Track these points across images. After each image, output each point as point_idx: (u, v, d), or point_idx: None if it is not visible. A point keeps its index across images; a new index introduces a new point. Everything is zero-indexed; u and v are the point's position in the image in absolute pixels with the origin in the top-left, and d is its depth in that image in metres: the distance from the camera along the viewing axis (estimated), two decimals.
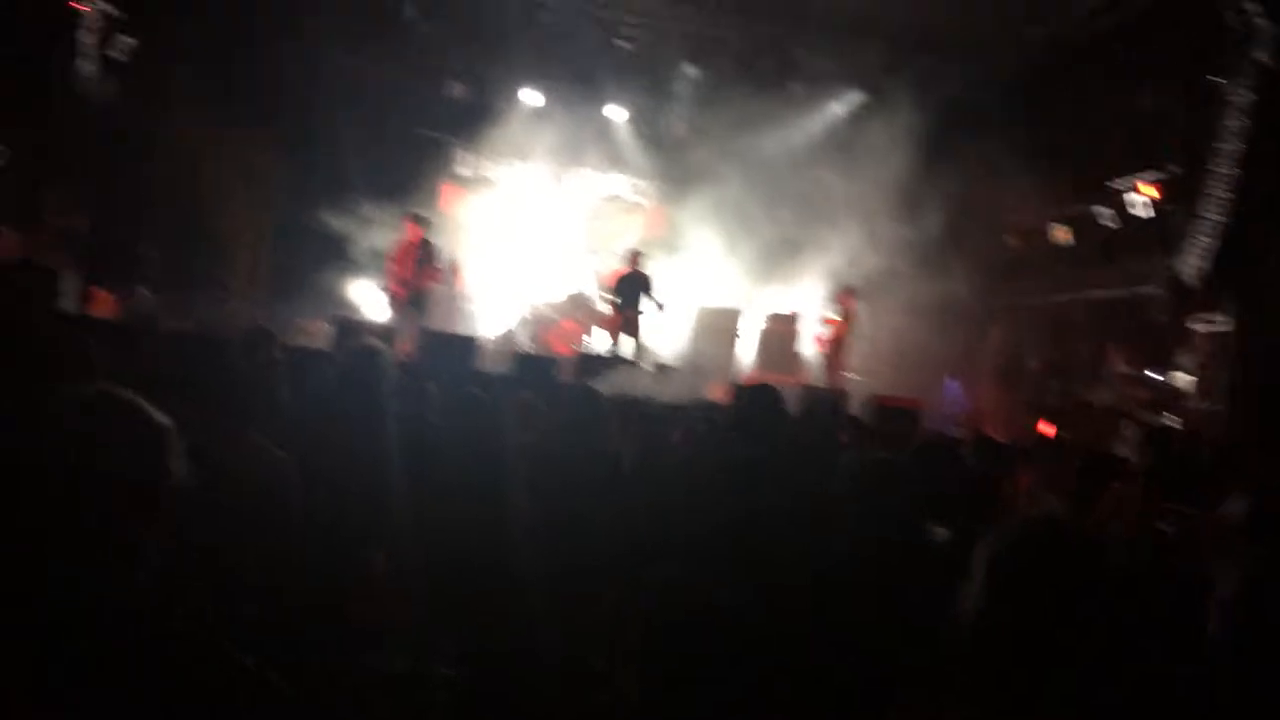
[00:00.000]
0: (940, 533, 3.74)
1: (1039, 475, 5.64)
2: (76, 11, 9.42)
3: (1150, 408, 12.32)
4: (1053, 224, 13.87)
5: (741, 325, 15.35)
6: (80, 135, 11.38)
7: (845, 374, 13.67)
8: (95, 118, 11.41)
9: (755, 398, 4.05)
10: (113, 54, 11.13)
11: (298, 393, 4.72)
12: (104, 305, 10.93)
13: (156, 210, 14.04)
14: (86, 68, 9.66)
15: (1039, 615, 1.52)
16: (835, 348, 13.56)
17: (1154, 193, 11.75)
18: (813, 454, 4.88)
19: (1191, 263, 9.97)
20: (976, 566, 1.60)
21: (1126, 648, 1.66)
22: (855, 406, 10.51)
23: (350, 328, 10.48)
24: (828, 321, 13.68)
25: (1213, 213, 9.70)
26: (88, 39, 9.54)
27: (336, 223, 14.59)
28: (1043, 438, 12.48)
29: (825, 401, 9.79)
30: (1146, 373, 12.89)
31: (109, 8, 10.11)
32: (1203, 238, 9.80)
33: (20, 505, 1.43)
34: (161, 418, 1.54)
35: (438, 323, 13.22)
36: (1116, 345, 12.67)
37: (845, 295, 13.56)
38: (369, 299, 13.64)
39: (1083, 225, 13.37)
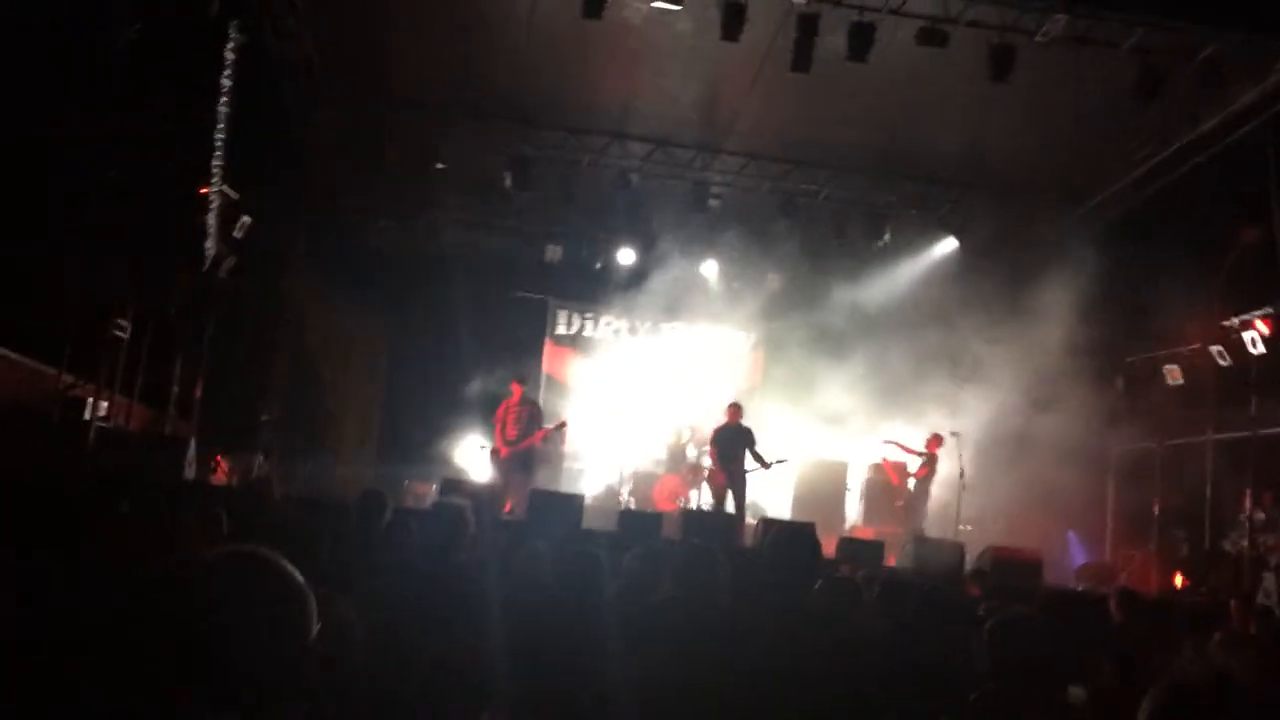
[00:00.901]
0: (1077, 694, 3.54)
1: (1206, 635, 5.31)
2: (205, 196, 10.11)
3: None
4: (1166, 365, 13.47)
5: (848, 477, 15.12)
6: (203, 311, 12.06)
7: (925, 520, 13.43)
8: (217, 294, 12.10)
9: (788, 538, 3.82)
10: (234, 233, 11.84)
11: (400, 551, 4.79)
12: (223, 473, 11.33)
13: (272, 379, 14.67)
14: (210, 248, 10.30)
15: None
16: (919, 493, 13.35)
17: (1266, 329, 11.39)
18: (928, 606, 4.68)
19: None
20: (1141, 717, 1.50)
21: None
22: (970, 559, 10.16)
23: (456, 490, 10.62)
24: (905, 467, 13.65)
25: None
26: (211, 220, 10.20)
27: (444, 385, 15.01)
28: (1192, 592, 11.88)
29: (944, 552, 9.47)
30: None
31: (229, 190, 10.83)
32: None
33: (171, 664, 1.45)
34: (299, 577, 1.57)
35: (544, 481, 13.33)
36: (1252, 490, 12.05)
37: (932, 441, 13.36)
38: (477, 460, 13.85)
39: (1198, 366, 12.96)
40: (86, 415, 9.75)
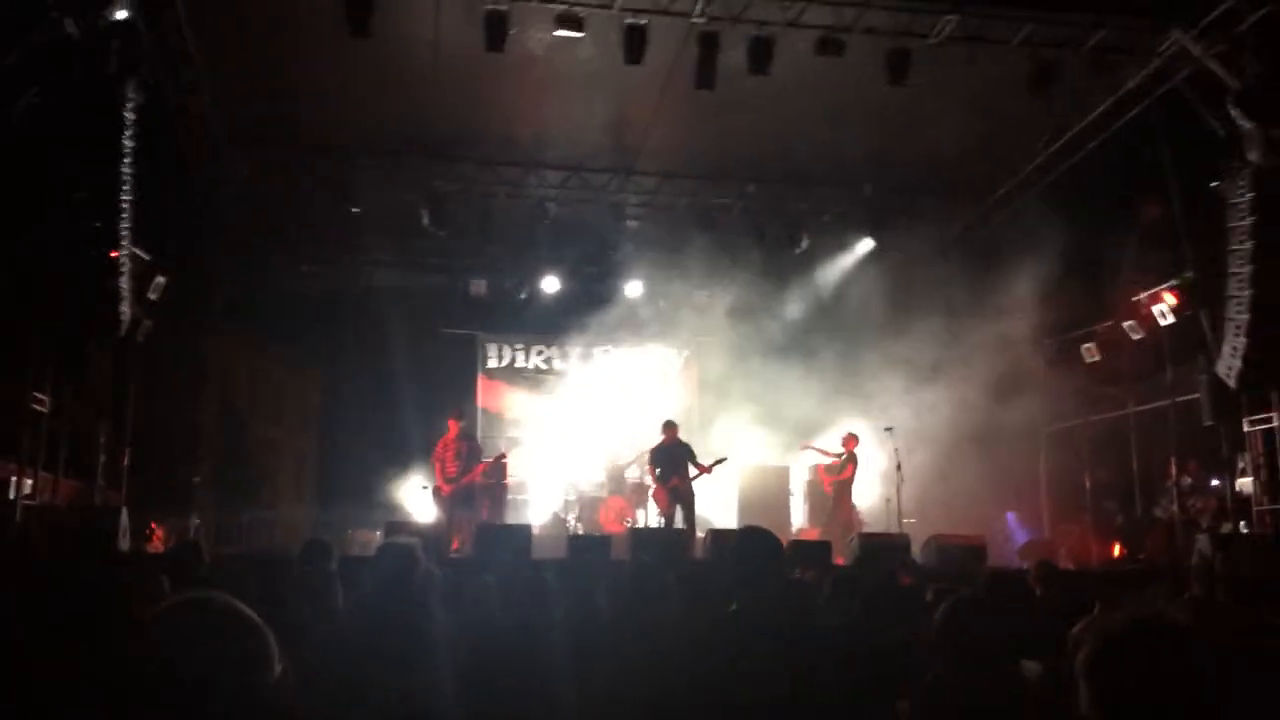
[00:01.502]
0: (1031, 668, 3.63)
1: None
2: (115, 260, 9.88)
3: (1218, 516, 12.05)
4: (1084, 344, 13.90)
5: (790, 481, 15.27)
6: (122, 376, 11.79)
7: (858, 516, 13.69)
8: (136, 358, 11.84)
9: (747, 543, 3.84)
10: (149, 294, 11.61)
11: (348, 599, 4.74)
12: (159, 540, 11.06)
13: (201, 439, 14.37)
14: (125, 312, 10.07)
15: (1150, 709, 1.49)
16: (841, 493, 13.57)
17: (1174, 300, 11.84)
18: (877, 599, 4.77)
19: (1227, 364, 9.92)
20: (1079, 669, 1.58)
21: None
22: (916, 549, 10.34)
23: (395, 532, 10.50)
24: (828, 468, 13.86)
25: (1236, 312, 9.73)
26: (124, 284, 9.97)
27: (380, 428, 14.85)
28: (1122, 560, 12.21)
29: (886, 547, 9.62)
30: (1211, 481, 12.67)
31: (140, 251, 10.61)
32: (1232, 337, 9.80)
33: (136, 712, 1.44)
34: (255, 616, 1.57)
35: (488, 515, 13.25)
36: (1175, 457, 12.48)
37: (849, 440, 13.59)
38: (418, 501, 13.71)
39: (1114, 342, 13.40)
40: (11, 494, 9.46)
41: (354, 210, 13.97)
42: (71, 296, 9.80)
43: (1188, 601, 4.90)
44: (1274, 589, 6.73)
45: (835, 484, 13.70)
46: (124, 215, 9.73)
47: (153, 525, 10.77)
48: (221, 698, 1.47)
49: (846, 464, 13.59)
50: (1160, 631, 1.57)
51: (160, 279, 11.85)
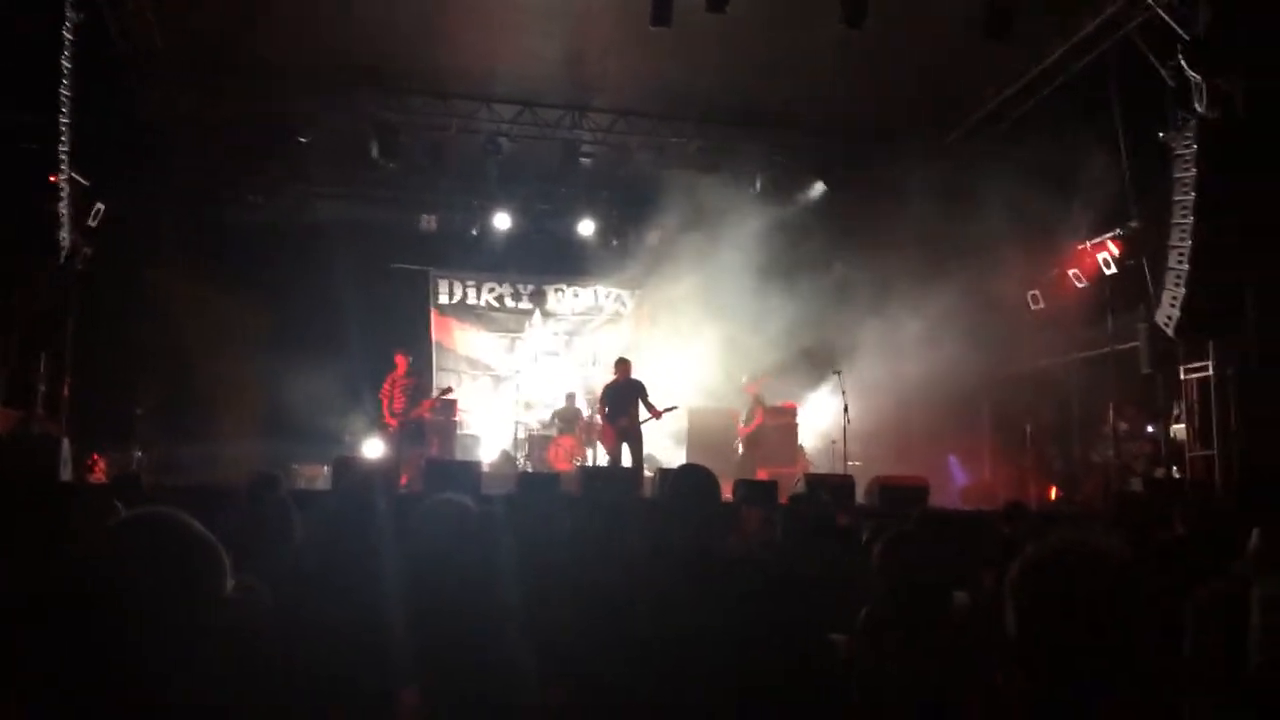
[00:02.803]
0: (961, 598, 3.76)
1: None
2: (54, 184, 9.60)
3: (1152, 461, 12.41)
4: (1030, 291, 14.12)
5: (738, 422, 15.42)
6: (63, 304, 11.53)
7: (804, 458, 13.94)
8: (77, 286, 11.57)
9: (685, 478, 3.87)
10: (89, 222, 11.32)
11: (300, 530, 4.73)
12: (101, 471, 10.93)
13: (144, 370, 14.15)
14: (65, 238, 9.80)
15: (1071, 629, 1.57)
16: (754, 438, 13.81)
17: (1116, 250, 12.04)
18: (814, 535, 4.88)
19: (1166, 313, 10.15)
20: (1006, 589, 1.65)
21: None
22: (861, 491, 10.53)
23: (348, 466, 10.49)
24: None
25: (1177, 262, 9.92)
26: (64, 209, 9.70)
27: (327, 362, 14.70)
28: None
29: (830, 487, 9.78)
30: (1147, 428, 13.01)
31: (79, 177, 10.31)
32: (1172, 287, 10.01)
33: (83, 624, 1.45)
34: (208, 533, 1.57)
35: (437, 452, 13.25)
36: (1114, 403, 12.79)
37: (750, 385, 13.76)
38: (367, 436, 13.65)
39: (1058, 289, 13.62)
40: None
41: (301, 140, 13.68)
42: (8, 220, 9.52)
43: (1116, 535, 5.08)
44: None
45: (746, 437, 13.97)
46: (63, 138, 9.45)
47: (95, 456, 10.63)
48: (175, 611, 1.48)
49: (755, 411, 13.77)
50: (1083, 556, 1.64)
51: (100, 206, 11.56)
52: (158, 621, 1.46)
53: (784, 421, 15.05)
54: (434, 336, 17.27)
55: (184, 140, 14.22)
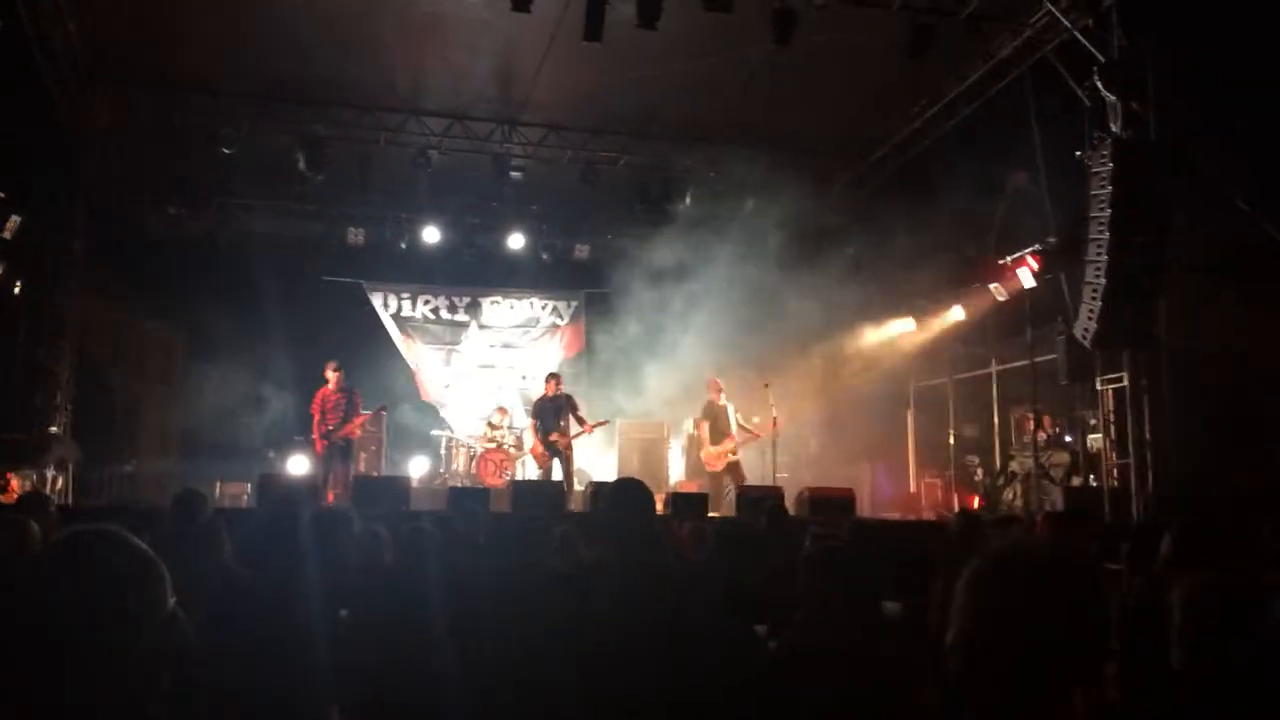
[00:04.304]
0: (892, 608, 3.83)
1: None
2: None
3: (1070, 470, 12.75)
4: (951, 305, 14.43)
5: (669, 435, 15.48)
6: None
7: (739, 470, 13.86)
8: None
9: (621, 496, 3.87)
10: (3, 235, 10.99)
11: (225, 550, 4.65)
12: (14, 491, 10.56)
13: (59, 388, 13.73)
14: None
15: (1030, 629, 1.63)
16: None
17: (1035, 265, 12.36)
18: (742, 544, 4.92)
19: (1084, 325, 10.44)
20: (959, 593, 1.70)
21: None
22: (790, 501, 10.64)
23: (273, 484, 10.32)
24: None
25: (1094, 276, 10.22)
26: None
27: (250, 378, 14.43)
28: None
29: (760, 499, 9.87)
30: (1064, 437, 13.38)
31: None
32: (1089, 300, 10.30)
33: (29, 642, 1.41)
34: (147, 548, 1.54)
35: (365, 467, 13.08)
36: (1031, 414, 13.12)
37: (712, 384, 13.57)
38: (292, 453, 13.41)
39: (980, 303, 13.94)
40: None
41: (225, 151, 13.43)
42: None
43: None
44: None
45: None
46: None
47: (8, 476, 10.28)
48: (119, 629, 1.45)
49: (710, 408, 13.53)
50: (1032, 556, 1.73)
51: (16, 218, 11.22)
52: (100, 641, 1.43)
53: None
54: (364, 351, 17.07)
55: (103, 152, 13.85)
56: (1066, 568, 1.68)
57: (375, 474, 13.15)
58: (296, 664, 3.80)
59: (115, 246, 14.77)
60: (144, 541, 3.77)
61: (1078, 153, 10.59)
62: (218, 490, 13.10)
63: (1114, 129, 10.36)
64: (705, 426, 13.29)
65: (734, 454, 13.01)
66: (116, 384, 14.88)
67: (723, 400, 13.24)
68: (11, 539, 3.06)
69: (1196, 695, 2.17)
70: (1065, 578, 1.66)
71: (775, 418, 13.21)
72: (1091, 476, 12.18)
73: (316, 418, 11.87)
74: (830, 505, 10.02)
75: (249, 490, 12.23)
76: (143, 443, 15.28)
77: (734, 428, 13.11)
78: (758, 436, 13.17)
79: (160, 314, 14.76)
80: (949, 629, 1.70)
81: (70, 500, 12.10)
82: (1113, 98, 10.34)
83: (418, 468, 14.96)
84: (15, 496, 10.12)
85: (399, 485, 10.38)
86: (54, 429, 13.38)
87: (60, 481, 12.78)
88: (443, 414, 16.68)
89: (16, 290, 11.77)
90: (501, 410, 14.90)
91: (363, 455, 13.45)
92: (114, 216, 14.99)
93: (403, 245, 16.58)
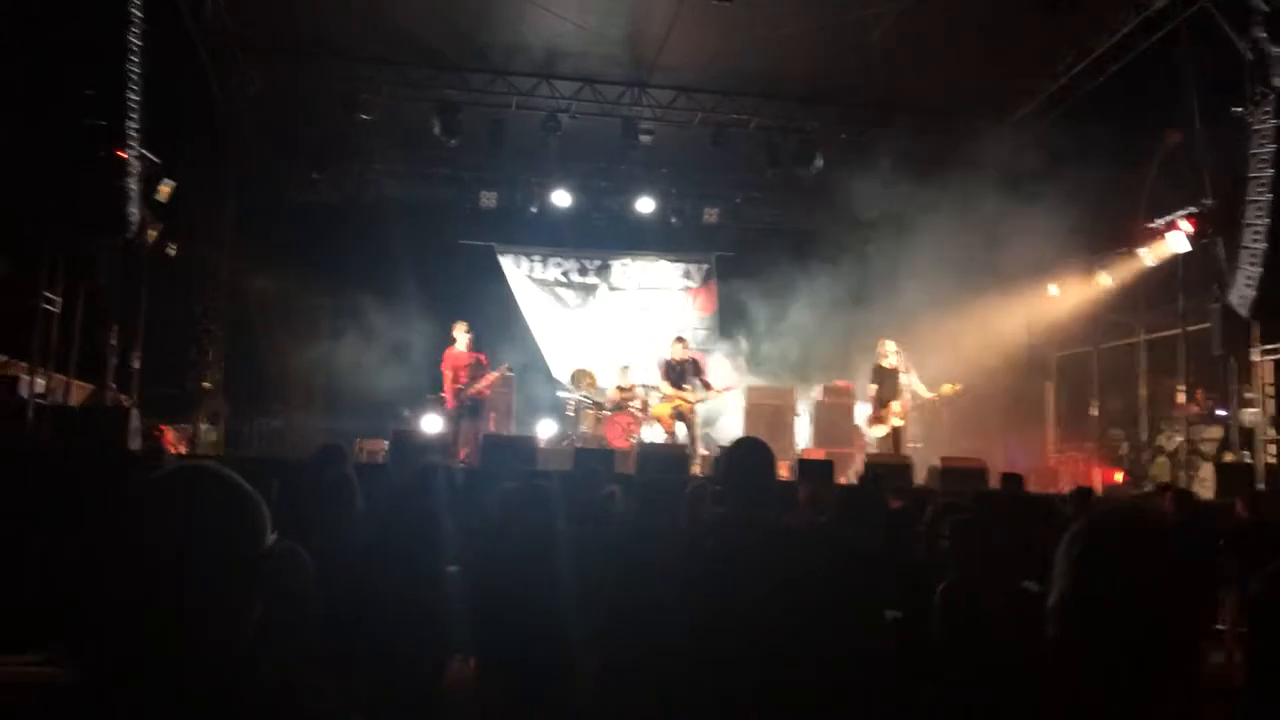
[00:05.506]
0: (1030, 587, 3.68)
1: None
2: (123, 160, 9.75)
3: (1222, 445, 12.07)
4: (1097, 271, 13.78)
5: (796, 402, 15.28)
6: (133, 279, 11.75)
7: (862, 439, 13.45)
8: (146, 262, 11.79)
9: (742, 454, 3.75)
10: (158, 198, 11.52)
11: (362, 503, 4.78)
12: (168, 442, 11.17)
13: (211, 345, 14.45)
14: (134, 214, 9.97)
15: (1125, 594, 1.53)
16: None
17: (1190, 228, 11.68)
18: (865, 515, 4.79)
19: (1240, 293, 9.84)
20: (1059, 559, 1.62)
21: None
22: (921, 473, 10.41)
23: (408, 442, 10.61)
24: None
25: (1253, 240, 9.61)
26: (132, 185, 9.85)
27: (389, 338, 14.88)
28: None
29: (888, 468, 9.70)
30: (1217, 411, 12.66)
31: (149, 155, 10.47)
32: (1248, 266, 9.70)
33: (128, 577, 1.46)
34: (248, 486, 1.58)
35: (495, 427, 13.35)
36: (1182, 386, 12.45)
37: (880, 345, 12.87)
38: (425, 411, 13.80)
39: (1128, 269, 13.28)
40: (23, 393, 9.53)
41: (363, 118, 13.80)
42: (79, 196, 9.70)
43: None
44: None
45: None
46: (131, 114, 9.59)
47: (161, 428, 10.86)
48: (210, 563, 1.49)
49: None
50: (1145, 524, 1.61)
51: (169, 183, 11.75)
52: (196, 569, 1.47)
53: (840, 401, 14.90)
54: (494, 312, 17.43)
55: (251, 120, 14.41)
56: (1166, 540, 1.56)
57: (505, 434, 13.38)
58: (418, 612, 3.89)
59: (263, 211, 15.41)
60: (273, 488, 3.92)
61: (1237, 109, 9.93)
62: (357, 446, 13.60)
63: (1277, 83, 9.66)
64: (874, 390, 12.62)
65: (901, 418, 12.31)
66: (264, 342, 15.55)
67: (889, 363, 12.45)
68: None
69: None
70: (1163, 549, 1.55)
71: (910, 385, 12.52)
72: (1246, 452, 11.50)
73: (448, 376, 12.14)
74: (962, 476, 9.76)
75: (385, 446, 12.62)
76: (289, 399, 15.95)
77: (905, 394, 12.29)
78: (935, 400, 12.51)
79: (303, 276, 15.33)
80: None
81: (221, 452, 12.76)
82: (1277, 50, 9.62)
83: (546, 429, 15.18)
84: (171, 447, 10.74)
85: (527, 445, 10.55)
86: (206, 384, 14.11)
87: (214, 433, 13.50)
88: (570, 377, 16.88)
89: (172, 252, 12.34)
90: (628, 372, 14.98)
91: (492, 415, 13.72)
92: (260, 182, 15.61)
93: (533, 209, 16.81)
